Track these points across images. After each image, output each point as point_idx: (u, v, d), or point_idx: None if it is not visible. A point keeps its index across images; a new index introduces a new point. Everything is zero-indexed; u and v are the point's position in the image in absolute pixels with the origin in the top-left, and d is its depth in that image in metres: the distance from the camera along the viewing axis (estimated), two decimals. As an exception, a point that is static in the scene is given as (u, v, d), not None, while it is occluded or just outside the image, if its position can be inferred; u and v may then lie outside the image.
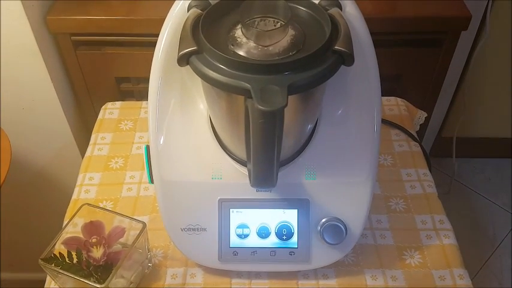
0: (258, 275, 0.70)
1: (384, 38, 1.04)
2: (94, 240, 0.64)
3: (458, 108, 1.59)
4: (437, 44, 1.08)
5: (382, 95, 0.65)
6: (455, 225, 0.77)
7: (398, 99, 0.97)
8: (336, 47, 0.49)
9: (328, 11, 0.53)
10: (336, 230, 0.65)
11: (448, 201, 0.83)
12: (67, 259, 0.63)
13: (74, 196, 0.81)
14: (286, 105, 0.44)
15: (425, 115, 0.98)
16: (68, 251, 0.64)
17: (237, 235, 0.66)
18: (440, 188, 0.82)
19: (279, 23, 0.51)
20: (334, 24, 0.51)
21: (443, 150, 1.64)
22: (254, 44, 0.50)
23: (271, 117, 0.46)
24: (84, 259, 0.63)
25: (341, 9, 0.55)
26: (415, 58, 1.10)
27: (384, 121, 0.90)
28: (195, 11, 0.53)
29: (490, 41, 1.34)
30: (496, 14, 1.34)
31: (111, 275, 0.60)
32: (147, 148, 0.65)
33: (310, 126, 0.63)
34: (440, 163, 1.72)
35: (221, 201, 0.66)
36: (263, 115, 0.46)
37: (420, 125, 0.98)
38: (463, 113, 1.50)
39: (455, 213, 0.83)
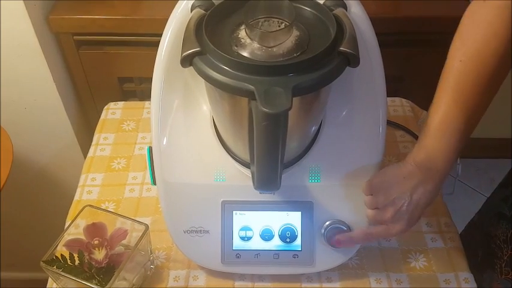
0: (261, 277, 0.69)
1: (388, 38, 1.03)
2: (96, 242, 0.63)
3: (462, 109, 1.58)
4: (442, 44, 1.06)
5: (387, 96, 0.64)
6: (459, 226, 0.76)
7: (403, 100, 0.96)
8: (341, 48, 0.48)
9: (333, 12, 0.52)
10: (340, 233, 0.64)
11: (451, 202, 0.82)
12: (69, 261, 0.63)
13: (76, 197, 0.80)
14: (291, 107, 0.43)
15: (430, 116, 0.97)
16: (69, 253, 0.63)
17: (240, 237, 0.66)
18: (444, 188, 0.81)
19: (283, 24, 0.50)
20: (339, 24, 0.50)
21: (447, 151, 1.63)
22: (258, 45, 0.49)
23: (276, 120, 0.45)
24: (86, 261, 0.63)
25: (346, 10, 0.54)
26: (419, 58, 1.09)
27: (389, 122, 0.89)
28: (198, 11, 0.53)
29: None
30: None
31: (113, 277, 0.60)
32: (150, 149, 0.65)
33: (314, 128, 0.63)
34: (444, 164, 1.71)
35: (224, 203, 0.65)
36: (267, 117, 0.45)
37: (424, 125, 0.97)
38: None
39: (459, 214, 0.83)
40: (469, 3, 1.05)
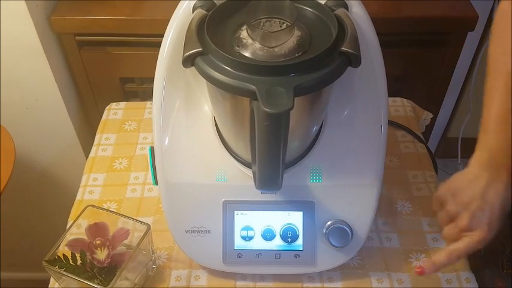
0: (262, 277, 0.69)
1: (390, 38, 1.03)
2: (98, 242, 0.64)
3: (463, 109, 1.58)
4: (443, 44, 1.07)
5: (388, 96, 0.64)
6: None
7: (404, 100, 0.96)
8: (342, 48, 0.48)
9: (335, 12, 0.52)
10: (341, 233, 0.64)
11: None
12: (71, 261, 0.63)
13: (78, 197, 0.80)
14: (293, 107, 0.43)
15: (431, 116, 0.97)
16: (72, 252, 0.63)
17: (242, 237, 0.66)
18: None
19: (284, 24, 0.51)
20: (341, 25, 0.51)
21: (448, 151, 1.62)
22: (260, 45, 0.49)
23: (277, 120, 0.46)
24: (88, 261, 0.63)
25: (347, 10, 0.54)
26: (420, 59, 1.09)
27: (390, 122, 0.89)
28: (200, 11, 0.53)
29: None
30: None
31: (115, 277, 0.60)
32: (152, 149, 0.65)
33: (315, 128, 0.63)
34: (446, 164, 1.71)
35: (225, 203, 0.65)
36: (269, 117, 0.45)
37: (426, 125, 0.97)
38: (468, 114, 1.49)
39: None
40: (470, 3, 1.05)
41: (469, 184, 0.55)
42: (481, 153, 0.56)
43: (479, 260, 0.72)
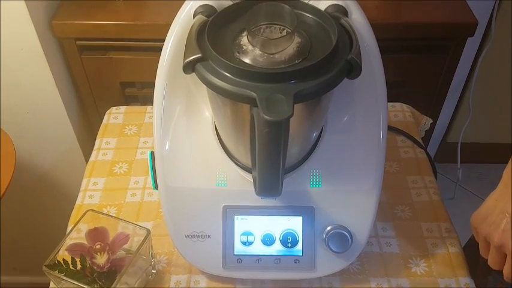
0: (262, 282, 0.69)
1: (389, 44, 1.03)
2: (98, 246, 0.64)
3: (463, 114, 1.58)
4: (443, 50, 1.07)
5: (388, 101, 0.64)
6: (459, 231, 0.76)
7: (404, 105, 0.97)
8: (349, 57, 0.48)
9: (340, 21, 0.52)
10: (341, 238, 0.64)
11: (452, 207, 0.83)
12: (71, 266, 0.63)
13: (78, 201, 0.80)
14: (292, 114, 0.43)
15: (431, 121, 0.97)
16: (71, 257, 0.64)
17: (242, 242, 0.66)
18: (444, 193, 0.81)
19: (285, 31, 0.51)
20: (348, 33, 0.51)
21: (448, 156, 1.63)
22: (260, 52, 0.49)
23: (277, 127, 0.46)
24: (88, 266, 0.63)
25: (347, 16, 0.54)
26: (420, 64, 1.10)
27: (389, 127, 0.90)
28: (200, 17, 0.53)
29: (495, 47, 1.34)
30: (501, 19, 1.33)
31: (115, 282, 0.60)
32: (152, 154, 0.65)
33: (315, 134, 0.63)
34: (445, 169, 1.71)
35: (225, 208, 0.65)
36: (269, 124, 0.45)
37: (425, 130, 0.98)
38: (468, 119, 1.49)
39: (460, 219, 0.83)
40: (470, 8, 1.06)
41: (495, 204, 0.55)
42: (506, 170, 0.56)
43: (483, 267, 0.72)
